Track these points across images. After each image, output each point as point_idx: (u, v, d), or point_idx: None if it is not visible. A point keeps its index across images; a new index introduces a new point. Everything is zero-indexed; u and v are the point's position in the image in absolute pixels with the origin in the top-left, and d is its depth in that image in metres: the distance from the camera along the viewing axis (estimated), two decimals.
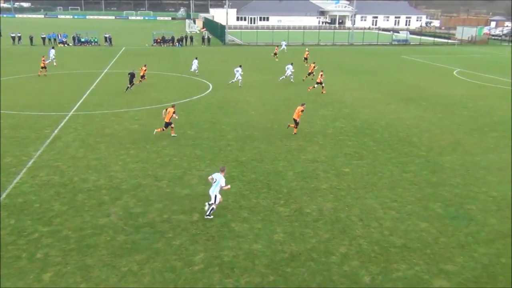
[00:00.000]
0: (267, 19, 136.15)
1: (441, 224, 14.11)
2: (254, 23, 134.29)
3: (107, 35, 71.30)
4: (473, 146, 21.84)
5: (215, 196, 13.99)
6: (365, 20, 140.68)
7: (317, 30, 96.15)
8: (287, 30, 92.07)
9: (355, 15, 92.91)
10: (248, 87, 36.17)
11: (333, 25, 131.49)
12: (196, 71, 41.65)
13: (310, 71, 39.59)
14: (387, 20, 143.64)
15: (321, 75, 34.37)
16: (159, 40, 72.53)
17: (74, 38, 71.05)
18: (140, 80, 35.92)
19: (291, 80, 39.03)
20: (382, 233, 13.49)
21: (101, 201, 15.20)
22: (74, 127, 23.68)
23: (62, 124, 24.27)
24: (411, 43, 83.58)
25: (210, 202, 14.16)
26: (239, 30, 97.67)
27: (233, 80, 36.68)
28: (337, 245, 12.78)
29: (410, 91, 36.02)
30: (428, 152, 20.84)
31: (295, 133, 23.15)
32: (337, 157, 19.99)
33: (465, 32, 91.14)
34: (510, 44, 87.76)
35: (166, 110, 22.05)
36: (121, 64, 48.47)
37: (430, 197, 16.06)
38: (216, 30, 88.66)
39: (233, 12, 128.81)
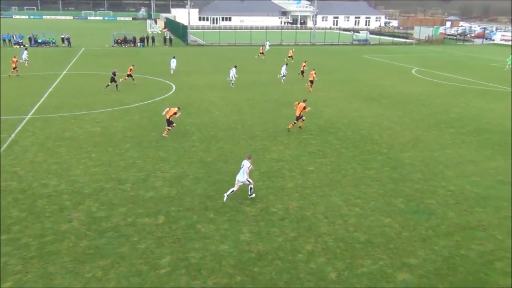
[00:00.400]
0: (230, 19, 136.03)
1: (403, 219, 14.49)
2: (216, 23, 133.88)
3: (64, 36, 69.34)
4: (432, 143, 22.52)
5: (247, 179, 15.39)
6: (326, 20, 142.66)
7: (280, 30, 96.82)
8: (249, 30, 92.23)
9: (316, 15, 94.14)
10: (212, 87, 36.03)
11: (295, 25, 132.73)
12: (173, 69, 42.50)
13: (301, 70, 41.01)
14: (348, 20, 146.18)
15: (313, 73, 35.32)
16: (120, 41, 71.21)
17: (30, 39, 68.74)
18: (125, 78, 36.14)
19: (282, 80, 39.12)
20: (347, 229, 13.73)
21: (62, 207, 14.78)
22: (32, 131, 22.93)
23: (19, 128, 23.47)
24: (371, 43, 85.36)
25: (234, 189, 15.46)
26: (202, 30, 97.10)
27: (229, 79, 37.39)
28: (303, 243, 12.92)
29: (371, 89, 36.79)
30: (390, 149, 21.35)
31: (289, 127, 23.92)
32: (301, 156, 20.19)
33: (422, 32, 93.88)
34: (464, 43, 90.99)
35: (169, 109, 22.50)
36: (80, 65, 47.29)
37: (392, 193, 16.46)
38: (178, 30, 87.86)
39: (195, 12, 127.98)
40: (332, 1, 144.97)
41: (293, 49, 59.73)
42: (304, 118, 24.14)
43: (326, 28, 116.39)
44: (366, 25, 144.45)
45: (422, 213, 14.93)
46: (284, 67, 39.59)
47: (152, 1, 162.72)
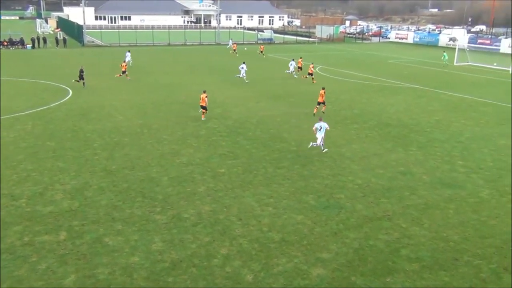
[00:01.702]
0: (129, 18, 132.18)
1: (315, 215, 15.06)
2: (115, 22, 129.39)
3: None
4: (338, 138, 23.68)
5: (321, 137, 20.38)
6: (230, 19, 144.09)
7: (183, 30, 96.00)
8: (151, 30, 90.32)
9: (220, 14, 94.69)
10: (113, 91, 34.77)
11: (198, 25, 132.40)
12: (130, 62, 45.54)
13: (299, 66, 44.69)
14: (252, 19, 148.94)
15: (311, 66, 40.58)
16: (5, 43, 66.07)
17: None
18: (120, 75, 39.49)
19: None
20: (261, 230, 13.96)
21: None
22: None
23: None
24: (275, 42, 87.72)
25: (316, 143, 20.60)
26: (99, 30, 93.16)
27: (239, 75, 40.09)
28: (218, 247, 12.91)
29: (278, 88, 37.79)
30: (299, 147, 22.08)
31: (314, 112, 27.87)
32: (212, 158, 20.18)
33: (323, 31, 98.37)
34: (363, 41, 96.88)
35: (200, 97, 26.42)
36: None
37: (303, 190, 17.04)
38: (72, 30, 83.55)
39: (90, 10, 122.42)
40: (236, 1, 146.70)
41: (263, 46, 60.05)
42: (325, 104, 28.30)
43: (230, 27, 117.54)
44: (270, 24, 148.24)
45: (332, 208, 15.62)
46: (292, 63, 43.82)
47: None
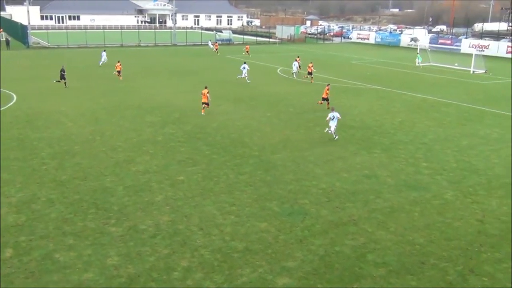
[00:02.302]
0: (78, 18, 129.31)
1: (279, 222, 15.13)
2: (62, 22, 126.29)
3: None
4: (301, 142, 23.93)
5: (334, 125, 23.64)
6: (186, 19, 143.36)
7: (137, 30, 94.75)
8: (102, 30, 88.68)
9: (175, 14, 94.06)
10: (62, 96, 33.91)
11: (153, 25, 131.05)
12: (103, 62, 48.18)
13: (298, 64, 46.39)
14: (209, 19, 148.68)
15: (310, 66, 42.68)
16: None
17: None
18: (117, 74, 41.34)
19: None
20: (224, 239, 13.90)
21: None
22: None
23: None
24: (234, 43, 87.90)
25: (330, 130, 23.93)
26: (45, 31, 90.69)
27: (241, 76, 41.50)
28: (178, 259, 12.76)
29: (239, 91, 37.88)
30: (261, 152, 22.17)
31: (328, 108, 28.49)
32: (170, 165, 19.99)
33: (284, 31, 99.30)
34: (324, 42, 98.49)
35: (202, 93, 28.85)
36: None
37: (267, 196, 17.10)
38: (16, 31, 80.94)
39: (35, 10, 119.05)
40: (192, 0, 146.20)
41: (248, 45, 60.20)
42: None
43: (187, 28, 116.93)
44: (228, 24, 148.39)
45: (297, 214, 15.74)
46: (296, 63, 45.63)
47: None
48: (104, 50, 49.04)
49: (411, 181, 18.92)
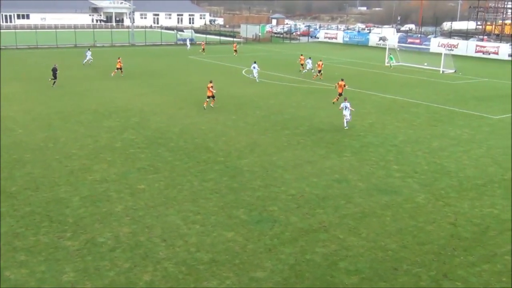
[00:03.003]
0: (27, 16, 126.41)
1: (247, 230, 15.12)
2: (10, 21, 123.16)
3: None
4: (269, 146, 24.02)
5: (349, 114, 27.24)
6: (145, 18, 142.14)
7: (92, 30, 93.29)
8: (54, 30, 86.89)
9: (133, 12, 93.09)
10: (9, 100, 33.03)
11: (109, 24, 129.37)
12: (90, 60, 51.41)
13: (301, 63, 51.14)
14: (170, 18, 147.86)
15: (320, 63, 46.19)
16: None
17: None
18: (115, 71, 44.42)
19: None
20: (189, 250, 13.80)
21: None
22: None
23: None
24: (197, 43, 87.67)
25: (346, 119, 27.42)
26: None
27: (252, 75, 43.96)
28: (140, 273, 12.59)
29: (202, 93, 37.64)
30: (226, 157, 22.14)
31: (334, 102, 33.21)
32: (129, 173, 19.74)
33: (249, 30, 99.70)
34: (291, 41, 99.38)
35: (207, 87, 31.50)
36: None
37: (233, 204, 17.07)
38: None
39: None
40: None
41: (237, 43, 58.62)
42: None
43: (146, 27, 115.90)
44: (190, 23, 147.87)
45: (265, 221, 15.77)
46: (309, 61, 49.11)
47: None
48: (89, 49, 52.52)
49: (382, 185, 19.24)
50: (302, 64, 51.21)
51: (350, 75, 49.64)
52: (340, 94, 33.18)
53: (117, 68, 44.72)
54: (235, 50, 67.49)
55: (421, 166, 21.59)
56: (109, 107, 31.83)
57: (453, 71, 54.20)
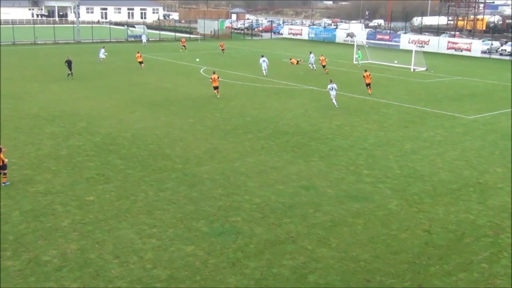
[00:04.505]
0: None
1: (208, 243, 15.09)
2: None
3: None
4: (230, 151, 24.05)
5: (334, 92, 33.50)
6: (92, 12, 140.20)
7: (32, 25, 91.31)
8: None
9: (78, 6, 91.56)
10: None
11: (52, 19, 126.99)
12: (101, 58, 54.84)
13: (297, 61, 57.34)
14: (119, 12, 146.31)
15: (323, 58, 51.05)
16: None
17: None
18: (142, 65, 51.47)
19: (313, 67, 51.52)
20: (144, 267, 13.66)
21: None
22: None
23: None
24: (150, 39, 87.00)
25: (334, 102, 33.58)
26: None
27: (265, 70, 47.81)
28: None
29: (155, 94, 37.48)
30: (185, 164, 22.04)
31: (370, 93, 39.24)
32: (77, 184, 19.43)
33: (206, 26, 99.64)
34: (253, 38, 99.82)
35: (212, 78, 36.44)
36: None
37: (193, 215, 17.01)
38: None
39: None
40: None
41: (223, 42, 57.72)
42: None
43: (93, 22, 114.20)
44: (142, 18, 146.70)
45: (228, 233, 15.78)
46: (312, 55, 53.03)
47: None
48: (103, 47, 57.42)
49: (352, 191, 19.54)
50: (297, 61, 57.27)
51: (316, 74, 50.26)
52: (368, 85, 39.34)
53: (140, 62, 51.42)
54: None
55: (393, 171, 22.03)
56: (52, 111, 31.22)
57: (425, 69, 55.60)
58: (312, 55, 53.36)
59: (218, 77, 36.49)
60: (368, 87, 39.43)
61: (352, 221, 16.95)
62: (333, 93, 33.44)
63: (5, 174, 19.22)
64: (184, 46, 70.40)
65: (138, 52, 52.69)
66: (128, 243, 14.96)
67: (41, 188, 18.97)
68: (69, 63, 43.34)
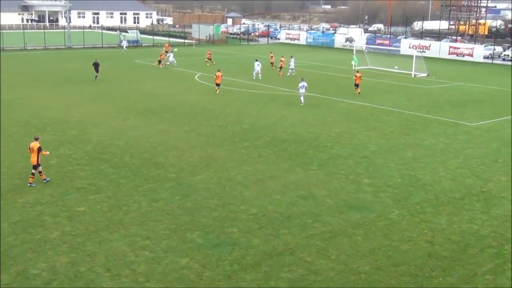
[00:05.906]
0: None
1: (203, 256, 15.01)
2: None
3: None
4: (226, 160, 24.00)
5: (304, 90, 36.45)
6: (83, 17, 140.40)
7: (22, 30, 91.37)
8: None
9: (70, 11, 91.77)
10: None
11: (42, 24, 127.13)
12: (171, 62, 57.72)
13: (271, 61, 58.46)
14: (112, 17, 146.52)
15: (282, 59, 53.60)
16: None
17: None
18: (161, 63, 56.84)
19: (289, 73, 52.48)
20: (137, 281, 13.58)
21: None
22: None
23: None
24: (143, 45, 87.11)
25: (302, 97, 36.67)
26: None
27: (257, 71, 49.70)
28: None
29: (150, 101, 37.45)
30: (179, 173, 21.98)
31: (359, 93, 41.90)
32: (67, 194, 19.36)
33: (202, 31, 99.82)
34: (249, 43, 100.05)
35: (216, 75, 40.41)
36: None
37: (187, 226, 16.94)
38: None
39: None
40: None
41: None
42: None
43: (84, 27, 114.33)
44: (135, 23, 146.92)
45: (224, 245, 15.70)
46: (292, 60, 53.98)
47: None
48: (172, 51, 62.58)
49: (352, 201, 19.49)
50: (272, 63, 58.13)
51: (315, 80, 50.28)
52: (357, 85, 42.21)
53: (159, 61, 56.65)
54: (209, 59, 62.59)
55: (394, 179, 22.00)
56: (42, 118, 31.15)
57: (426, 74, 55.75)
58: (293, 59, 54.42)
59: (222, 75, 39.97)
60: (357, 87, 42.00)
61: (352, 231, 16.89)
62: (302, 91, 36.21)
63: (40, 172, 20.23)
64: (210, 59, 62.48)
65: (165, 45, 57.93)
66: (120, 256, 14.88)
67: (30, 198, 18.88)
68: (96, 65, 45.41)
